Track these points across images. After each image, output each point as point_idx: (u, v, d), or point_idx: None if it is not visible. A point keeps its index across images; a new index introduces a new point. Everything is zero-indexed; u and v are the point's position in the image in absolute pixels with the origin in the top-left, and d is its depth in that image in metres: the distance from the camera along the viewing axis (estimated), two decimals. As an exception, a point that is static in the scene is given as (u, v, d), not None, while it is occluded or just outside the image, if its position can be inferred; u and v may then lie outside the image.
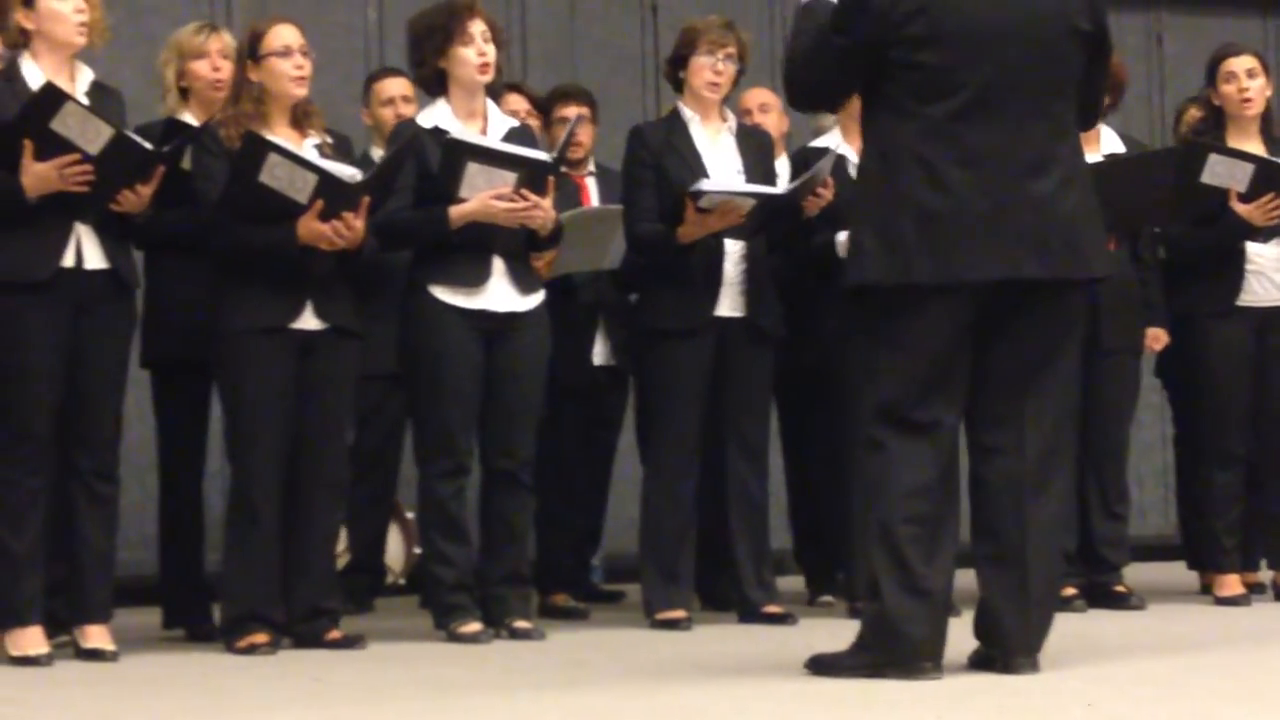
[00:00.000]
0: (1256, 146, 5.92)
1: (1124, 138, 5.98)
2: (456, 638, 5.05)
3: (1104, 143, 5.87)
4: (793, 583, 6.28)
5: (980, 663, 4.11)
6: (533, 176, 5.09)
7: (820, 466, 6.02)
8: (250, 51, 4.99)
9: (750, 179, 5.49)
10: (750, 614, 5.47)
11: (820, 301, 5.65)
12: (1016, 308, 4.04)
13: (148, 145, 4.73)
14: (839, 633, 4.31)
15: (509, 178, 5.07)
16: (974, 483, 4.13)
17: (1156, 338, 6.01)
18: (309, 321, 4.94)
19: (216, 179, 4.90)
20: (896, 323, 4.01)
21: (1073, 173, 4.08)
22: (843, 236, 5.30)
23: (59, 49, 4.73)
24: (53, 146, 4.59)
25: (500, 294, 5.17)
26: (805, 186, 5.43)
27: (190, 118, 5.30)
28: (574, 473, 6.08)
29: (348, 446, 5.25)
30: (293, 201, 4.84)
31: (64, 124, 4.58)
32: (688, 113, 5.57)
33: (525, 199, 5.08)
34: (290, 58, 4.98)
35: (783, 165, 5.95)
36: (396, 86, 6.14)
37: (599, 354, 6.05)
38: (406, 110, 5.94)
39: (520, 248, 5.23)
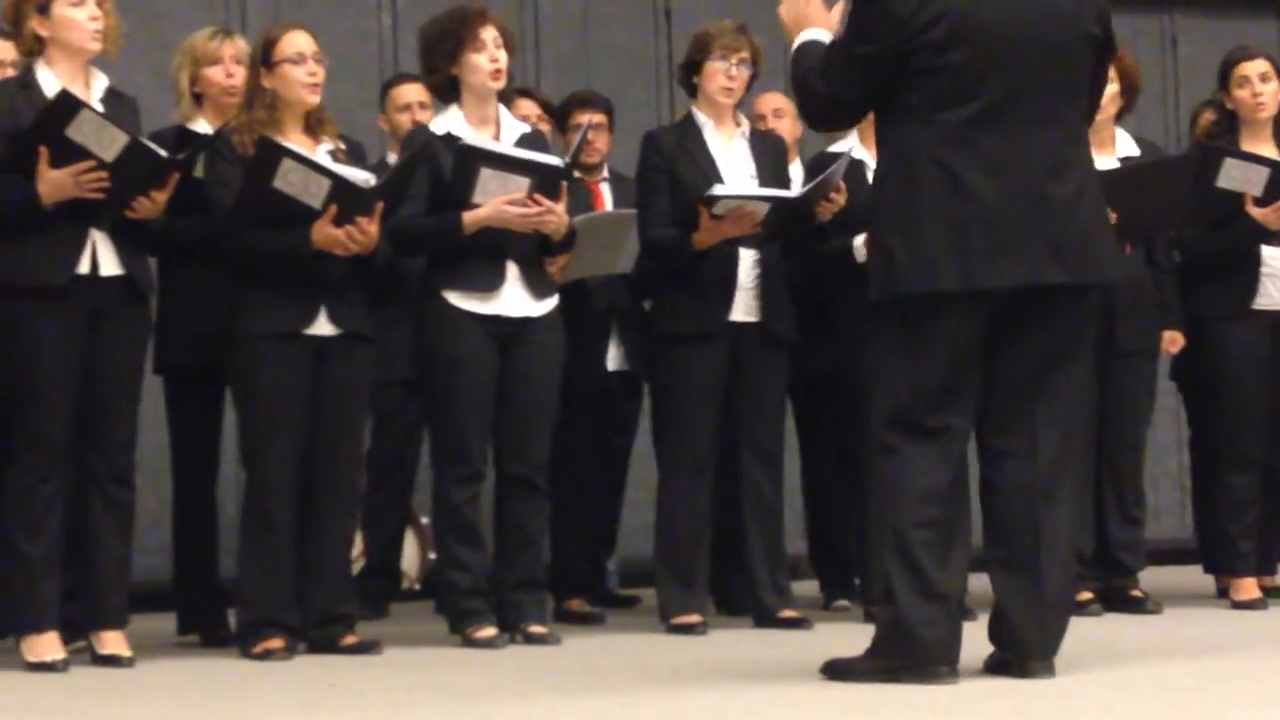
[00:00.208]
0: (1270, 150, 5.93)
1: (1139, 140, 5.98)
2: (472, 643, 5.06)
3: (1119, 145, 5.87)
4: (808, 587, 6.28)
5: (996, 667, 4.10)
6: (546, 182, 5.10)
7: (834, 471, 6.02)
8: (263, 58, 5.00)
9: (764, 184, 5.48)
10: (765, 618, 5.47)
11: (835, 305, 5.65)
12: (1029, 312, 4.04)
13: (163, 152, 4.74)
14: (854, 637, 4.31)
15: (522, 183, 5.07)
16: (985, 487, 4.12)
17: (1173, 340, 6.00)
18: (323, 327, 4.95)
19: (230, 185, 4.90)
20: (915, 329, 4.00)
21: (1086, 177, 4.09)
22: (859, 241, 5.31)
23: (74, 56, 4.74)
24: (68, 153, 4.60)
25: (514, 299, 5.17)
26: (818, 190, 5.43)
27: (204, 124, 5.31)
28: (588, 477, 6.08)
29: (363, 452, 5.25)
30: (307, 206, 4.85)
31: (79, 131, 4.60)
32: (701, 118, 5.57)
33: (538, 204, 5.08)
34: (303, 64, 4.98)
35: (796, 170, 5.95)
36: (413, 92, 6.14)
37: (612, 359, 6.05)
38: (423, 116, 5.95)
39: (534, 253, 5.23)
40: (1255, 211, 5.78)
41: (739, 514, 5.52)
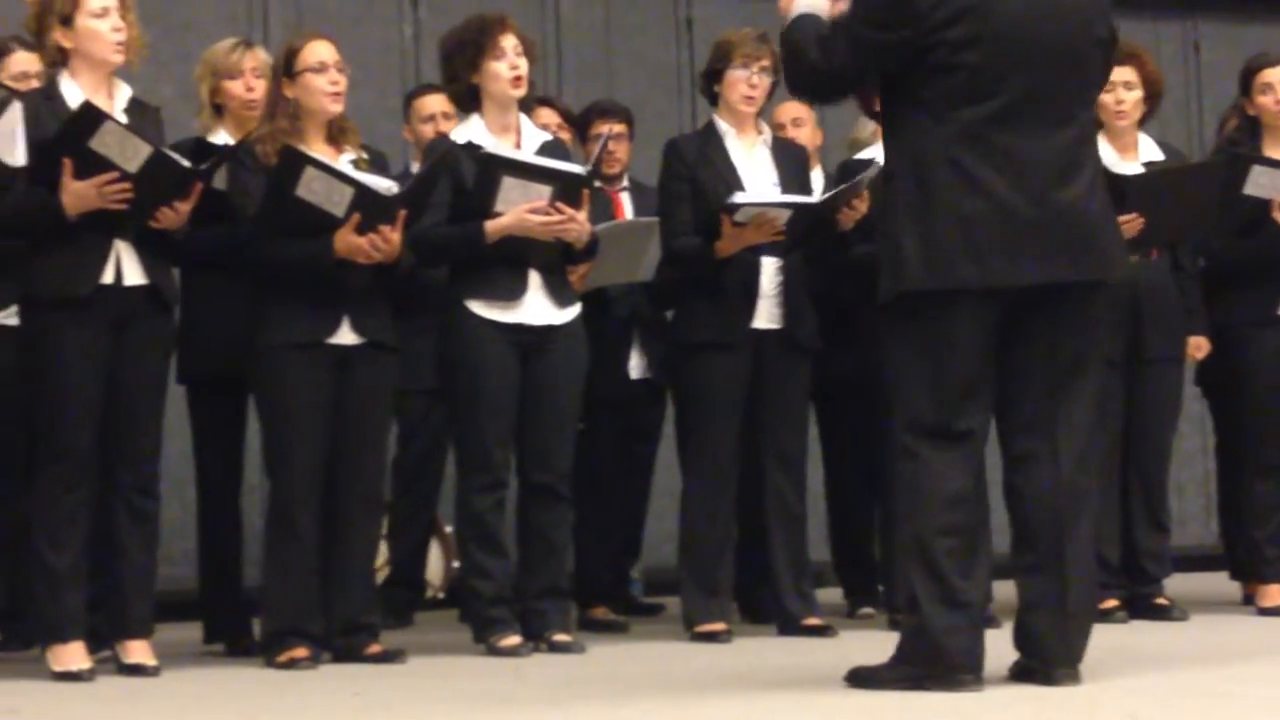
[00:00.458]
0: (1293, 156, 5.91)
1: (1162, 145, 5.96)
2: (496, 651, 5.06)
3: (1142, 151, 5.85)
4: (832, 594, 6.27)
5: (1021, 674, 4.09)
6: (567, 190, 5.10)
7: (858, 477, 6.02)
8: (286, 68, 5.01)
9: (786, 191, 5.48)
10: (790, 626, 5.46)
11: (857, 313, 5.64)
12: (1038, 311, 4.03)
13: (186, 163, 4.76)
14: (879, 645, 4.29)
15: (544, 191, 5.08)
16: (1009, 492, 4.11)
17: (1199, 346, 5.98)
18: (346, 336, 4.95)
19: (253, 195, 4.92)
20: (928, 329, 4.00)
21: (1095, 177, 4.10)
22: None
23: (97, 67, 4.76)
24: (92, 165, 4.61)
25: (537, 307, 5.18)
26: (841, 196, 5.42)
27: (224, 135, 5.33)
28: (611, 485, 6.08)
29: (387, 461, 5.25)
30: (330, 215, 4.85)
31: (103, 143, 4.61)
32: (723, 126, 5.57)
33: (560, 212, 5.09)
34: (325, 74, 5.00)
35: (817, 178, 5.94)
36: (437, 103, 6.15)
37: (635, 367, 6.06)
38: (447, 127, 5.95)
39: (556, 261, 5.24)
40: (1281, 218, 5.77)
41: (763, 521, 5.51)
